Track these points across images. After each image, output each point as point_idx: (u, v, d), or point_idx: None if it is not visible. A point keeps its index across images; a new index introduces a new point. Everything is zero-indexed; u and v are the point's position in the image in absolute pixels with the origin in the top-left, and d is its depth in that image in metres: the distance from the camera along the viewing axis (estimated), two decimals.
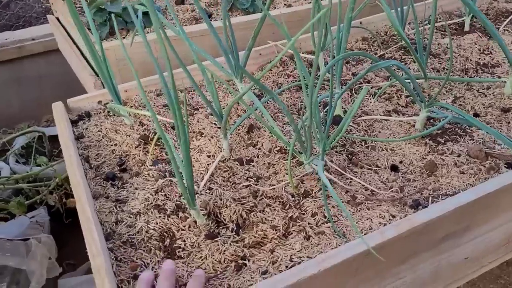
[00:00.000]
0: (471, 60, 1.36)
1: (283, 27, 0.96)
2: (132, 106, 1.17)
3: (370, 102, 1.20)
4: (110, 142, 1.07)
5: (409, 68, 1.32)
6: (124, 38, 1.50)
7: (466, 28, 1.51)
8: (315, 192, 0.92)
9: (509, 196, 0.98)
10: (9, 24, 3.23)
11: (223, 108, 1.15)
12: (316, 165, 0.95)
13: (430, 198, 0.91)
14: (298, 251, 0.81)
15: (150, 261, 0.81)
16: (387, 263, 0.90)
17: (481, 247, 1.10)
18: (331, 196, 0.91)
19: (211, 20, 1.63)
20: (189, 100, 1.21)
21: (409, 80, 1.06)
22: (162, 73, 0.78)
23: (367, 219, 0.86)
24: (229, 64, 1.15)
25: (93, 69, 1.53)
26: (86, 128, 1.10)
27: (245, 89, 0.87)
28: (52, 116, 1.10)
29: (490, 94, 1.20)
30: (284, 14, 1.58)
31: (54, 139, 2.19)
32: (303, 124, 0.92)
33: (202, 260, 0.81)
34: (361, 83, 1.28)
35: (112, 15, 1.17)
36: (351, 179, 0.96)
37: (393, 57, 1.38)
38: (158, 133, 1.06)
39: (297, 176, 0.96)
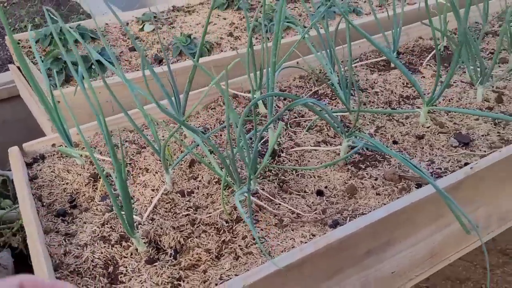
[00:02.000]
0: (395, 93, 1.51)
1: (211, 74, 1.09)
2: (84, 148, 1.27)
3: (304, 134, 1.33)
4: (62, 181, 1.16)
5: (338, 102, 1.46)
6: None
7: (392, 64, 1.67)
8: (252, 219, 1.03)
9: (422, 213, 1.11)
10: None
11: (169, 145, 1.27)
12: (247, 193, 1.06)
13: (348, 218, 1.03)
14: (227, 270, 0.91)
15: (95, 287, 0.89)
16: (313, 279, 1.00)
17: (406, 262, 1.21)
18: (261, 220, 1.02)
19: (162, 65, 1.75)
20: (137, 140, 1.31)
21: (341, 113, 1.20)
22: (104, 118, 0.89)
23: (290, 239, 0.97)
24: (172, 106, 1.27)
25: None
26: (40, 170, 1.20)
27: (170, 134, 0.98)
28: None
29: (407, 123, 1.34)
30: (227, 57, 1.72)
31: None
32: (231, 158, 1.03)
33: (141, 283, 0.90)
34: (296, 117, 1.41)
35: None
36: (280, 204, 1.07)
37: (325, 93, 1.52)
38: (105, 171, 1.16)
39: (231, 204, 1.07)
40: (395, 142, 1.28)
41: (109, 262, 0.94)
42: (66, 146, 1.20)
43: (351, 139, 1.18)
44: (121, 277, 0.91)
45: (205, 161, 1.08)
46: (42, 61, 1.69)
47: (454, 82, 1.55)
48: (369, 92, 1.51)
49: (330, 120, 1.13)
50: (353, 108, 1.38)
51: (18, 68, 1.99)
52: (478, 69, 1.39)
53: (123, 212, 0.90)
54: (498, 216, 1.36)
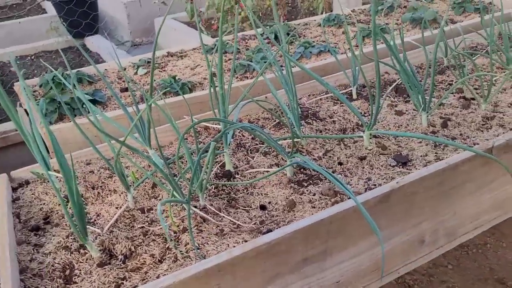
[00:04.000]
0: (352, 121, 1.65)
1: (167, 114, 1.26)
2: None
3: (260, 159, 1.47)
4: (40, 202, 1.33)
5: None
6: (70, 121, 1.81)
7: (354, 96, 1.82)
8: (191, 228, 1.17)
9: (355, 225, 1.22)
10: None
11: (137, 171, 1.43)
12: (195, 207, 1.21)
13: (282, 227, 1.15)
14: (165, 271, 1.04)
15: (52, 286, 1.04)
16: (251, 283, 1.12)
17: (350, 272, 1.31)
18: (204, 230, 1.16)
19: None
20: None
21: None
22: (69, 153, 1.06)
23: (226, 245, 1.10)
24: (142, 138, 1.44)
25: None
26: (23, 193, 1.37)
27: (116, 152, 1.14)
28: None
29: (354, 147, 1.47)
30: (205, 95, 1.90)
31: None
32: (171, 176, 1.18)
33: (91, 283, 1.04)
34: (256, 144, 1.55)
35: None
36: (224, 217, 1.20)
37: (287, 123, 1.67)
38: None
39: (180, 216, 1.21)
40: (340, 163, 1.40)
41: (67, 266, 1.09)
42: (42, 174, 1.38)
43: (292, 160, 1.32)
44: (75, 278, 1.06)
45: (158, 182, 1.23)
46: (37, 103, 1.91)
47: (406, 110, 1.68)
48: (327, 121, 1.65)
49: (269, 141, 1.28)
50: (306, 134, 1.53)
51: (25, 110, 2.23)
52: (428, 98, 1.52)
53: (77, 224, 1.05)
54: (445, 231, 1.45)
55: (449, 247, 1.49)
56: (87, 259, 1.10)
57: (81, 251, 1.12)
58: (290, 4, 4.95)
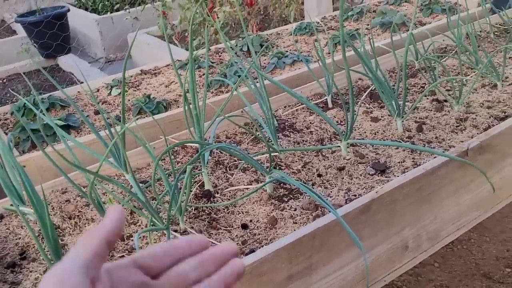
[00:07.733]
0: (329, 131, 1.65)
1: (139, 137, 1.24)
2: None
3: (239, 175, 1.46)
4: (16, 236, 1.29)
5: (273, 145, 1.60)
6: (45, 148, 1.76)
7: (330, 105, 1.82)
8: None
9: (338, 237, 1.21)
10: None
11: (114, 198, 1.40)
12: (176, 231, 1.19)
13: (265, 246, 1.14)
14: None
15: None
16: None
17: (337, 285, 1.30)
18: None
19: (126, 123, 1.92)
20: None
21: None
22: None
23: None
24: (118, 162, 1.42)
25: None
26: None
27: (91, 182, 1.12)
28: None
29: (332, 157, 1.47)
30: (179, 113, 1.89)
31: None
32: (146, 202, 1.16)
33: None
34: (235, 161, 1.54)
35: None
36: None
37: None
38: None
39: (162, 242, 1.19)
40: (319, 175, 1.40)
41: None
42: (11, 205, 1.35)
43: (272, 176, 1.31)
44: None
45: (136, 209, 1.21)
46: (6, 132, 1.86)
47: (382, 117, 1.69)
48: (304, 132, 1.65)
49: (247, 159, 1.27)
50: (285, 148, 1.52)
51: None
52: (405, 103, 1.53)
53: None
54: (427, 236, 1.46)
55: (432, 251, 1.49)
56: None
57: None
58: (262, 13, 4.96)
